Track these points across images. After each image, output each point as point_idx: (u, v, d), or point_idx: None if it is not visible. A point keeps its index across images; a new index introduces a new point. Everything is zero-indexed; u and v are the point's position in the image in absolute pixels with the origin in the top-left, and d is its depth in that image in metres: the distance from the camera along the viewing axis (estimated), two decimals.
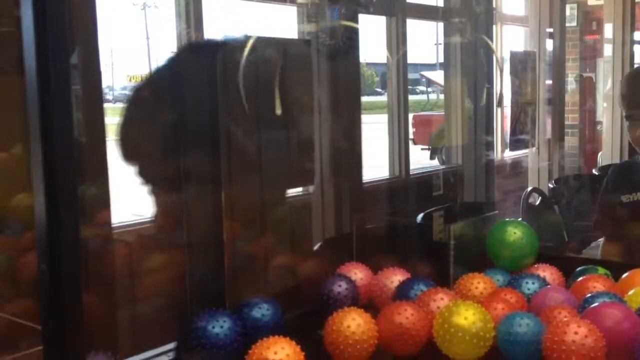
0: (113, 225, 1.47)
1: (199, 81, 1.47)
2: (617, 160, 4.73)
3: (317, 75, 1.93)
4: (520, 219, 1.99)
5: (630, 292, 1.46)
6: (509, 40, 4.80)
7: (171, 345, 1.35)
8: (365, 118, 2.41)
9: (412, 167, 3.52)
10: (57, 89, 0.61)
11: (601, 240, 2.30)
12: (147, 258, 1.43)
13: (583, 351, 1.21)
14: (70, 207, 0.60)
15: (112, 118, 1.54)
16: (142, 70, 1.56)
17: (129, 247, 1.41)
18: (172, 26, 2.05)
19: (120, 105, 1.56)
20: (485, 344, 1.32)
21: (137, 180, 1.46)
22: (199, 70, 1.47)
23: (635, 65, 5.27)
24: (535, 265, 1.67)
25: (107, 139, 1.49)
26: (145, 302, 1.38)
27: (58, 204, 0.58)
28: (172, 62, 1.56)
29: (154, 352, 1.32)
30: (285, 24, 2.30)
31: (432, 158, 9.04)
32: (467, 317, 1.31)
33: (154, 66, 1.60)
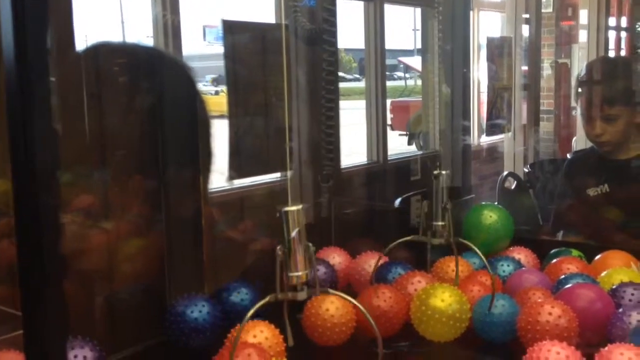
0: (92, 211, 1.46)
1: (178, 67, 1.46)
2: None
3: (295, 60, 1.93)
4: (496, 203, 2.01)
5: (603, 274, 1.49)
6: (486, 26, 4.82)
7: (150, 331, 1.35)
8: (343, 104, 2.41)
9: (390, 152, 3.53)
10: (35, 73, 0.61)
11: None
12: (125, 244, 1.43)
13: (557, 331, 1.24)
14: (50, 193, 0.60)
15: None
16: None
17: (106, 233, 1.40)
18: (147, 10, 2.03)
19: None
20: (461, 325, 1.34)
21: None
22: (178, 56, 1.46)
23: (610, 52, 5.32)
24: (511, 248, 1.69)
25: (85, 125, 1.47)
26: (124, 287, 1.38)
27: (37, 189, 0.58)
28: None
29: (133, 337, 1.32)
30: (263, 9, 2.29)
31: (410, 144, 9.07)
32: (444, 299, 1.33)
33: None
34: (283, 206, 0.91)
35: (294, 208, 0.91)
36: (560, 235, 2.21)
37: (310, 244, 0.92)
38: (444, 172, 1.29)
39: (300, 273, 0.92)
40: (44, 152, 0.59)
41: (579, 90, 2.14)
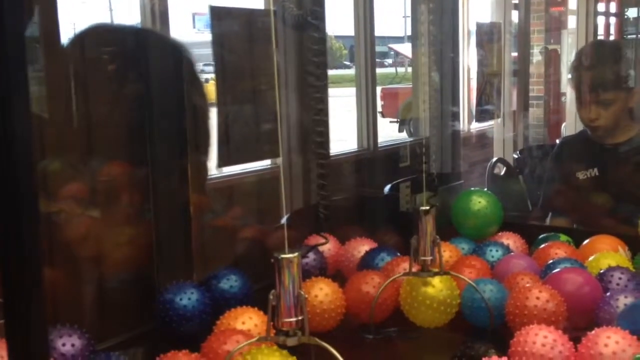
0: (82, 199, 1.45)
1: (164, 53, 1.45)
2: None
3: (284, 46, 1.92)
4: (485, 189, 2.02)
5: (591, 258, 1.50)
6: (476, 11, 4.81)
7: (139, 318, 1.35)
8: (334, 91, 2.40)
9: (380, 139, 3.53)
10: (12, 60, 0.60)
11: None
12: (114, 231, 1.42)
13: (544, 315, 1.24)
14: (29, 178, 0.59)
15: None
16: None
17: (94, 220, 1.39)
18: None
19: None
20: (451, 311, 1.34)
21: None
22: (165, 41, 1.45)
23: (599, 37, 5.33)
24: (499, 233, 1.70)
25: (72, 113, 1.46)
26: (112, 275, 1.38)
27: (16, 176, 0.58)
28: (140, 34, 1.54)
29: (122, 326, 1.32)
30: None
31: (400, 130, 9.07)
32: (434, 285, 1.33)
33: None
34: (279, 253, 0.92)
35: (289, 255, 0.92)
36: (548, 218, 2.22)
37: (302, 291, 0.93)
38: (431, 207, 1.29)
39: (292, 319, 0.93)
40: (23, 139, 0.58)
41: (573, 75, 2.14)
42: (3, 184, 0.58)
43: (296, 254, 0.93)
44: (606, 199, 2.06)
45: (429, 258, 1.29)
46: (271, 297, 0.93)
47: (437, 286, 1.33)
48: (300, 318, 0.93)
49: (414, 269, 1.31)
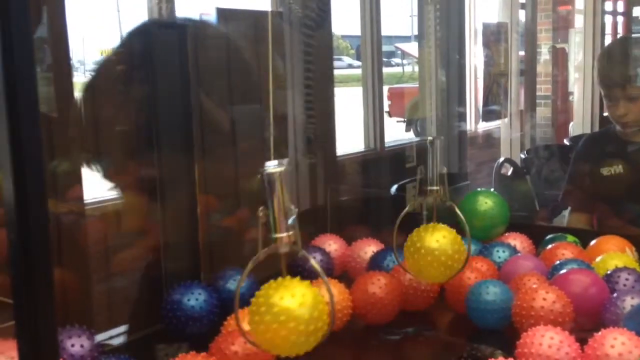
0: (86, 201, 1.46)
1: (170, 55, 1.46)
2: (588, 131, 4.80)
3: (290, 47, 1.93)
4: (492, 189, 2.02)
5: (598, 259, 1.50)
6: (482, 11, 4.80)
7: (147, 319, 1.35)
8: (340, 91, 2.41)
9: (387, 139, 3.53)
10: (21, 62, 0.61)
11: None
12: (122, 234, 1.43)
13: (551, 316, 1.24)
14: (38, 180, 0.60)
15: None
16: (113, 43, 1.54)
17: (103, 222, 1.41)
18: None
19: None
20: (457, 266, 1.31)
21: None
22: (170, 45, 1.45)
23: (606, 36, 5.31)
24: (506, 234, 1.70)
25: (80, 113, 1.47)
26: (120, 276, 1.39)
27: (25, 178, 0.58)
28: (143, 36, 1.54)
29: (130, 326, 1.33)
30: None
31: (407, 130, 9.06)
32: (439, 239, 1.31)
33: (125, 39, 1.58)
34: (265, 168, 0.90)
35: (276, 170, 0.91)
36: (567, 214, 2.21)
37: (293, 206, 0.92)
38: (436, 139, 1.28)
39: (283, 234, 0.92)
40: (33, 142, 0.59)
41: (600, 72, 2.12)
42: (13, 186, 0.58)
43: (282, 168, 0.92)
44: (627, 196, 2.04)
45: (435, 188, 1.28)
46: (260, 214, 0.92)
47: (441, 241, 1.31)
48: (290, 233, 0.93)
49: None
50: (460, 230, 1.33)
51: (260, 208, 0.91)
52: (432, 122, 2.35)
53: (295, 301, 0.96)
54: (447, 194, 1.28)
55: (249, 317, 1.01)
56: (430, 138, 1.27)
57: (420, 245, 1.29)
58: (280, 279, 0.98)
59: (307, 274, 1.50)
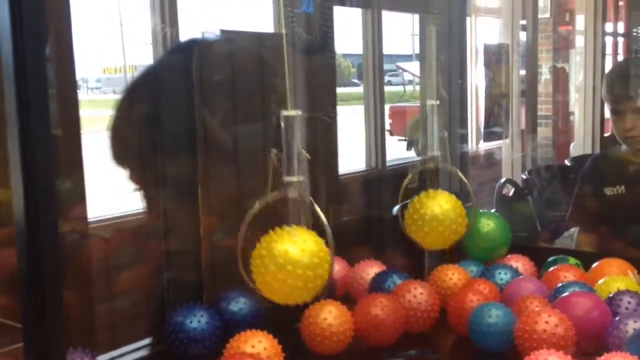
0: (89, 220, 1.46)
1: (174, 79, 1.47)
2: (589, 151, 4.80)
3: (293, 69, 1.94)
4: (493, 210, 2.02)
5: (600, 282, 1.50)
6: (483, 32, 4.84)
7: (149, 340, 1.35)
8: (342, 110, 2.41)
9: (389, 158, 3.54)
10: (34, 83, 0.62)
11: (573, 230, 2.33)
12: (125, 253, 1.43)
13: (554, 340, 1.24)
14: (49, 204, 0.60)
15: (88, 110, 1.53)
16: (116, 62, 1.56)
17: (105, 242, 1.41)
18: (147, 18, 2.04)
19: (93, 96, 1.55)
20: (460, 230, 1.31)
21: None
22: (176, 68, 1.46)
23: (607, 56, 5.34)
24: (508, 256, 1.70)
25: (81, 131, 1.48)
26: (123, 297, 1.39)
27: (37, 201, 0.59)
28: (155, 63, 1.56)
29: (131, 347, 1.33)
30: (261, 18, 2.30)
31: (408, 149, 9.08)
32: (441, 204, 1.30)
33: (128, 58, 1.59)
34: (284, 110, 0.91)
35: (292, 113, 0.91)
36: (575, 233, 2.22)
37: (304, 151, 0.92)
38: (435, 102, 1.28)
39: (294, 179, 0.92)
40: (44, 166, 0.60)
41: (607, 88, 2.14)
42: (23, 209, 0.59)
43: (299, 112, 0.93)
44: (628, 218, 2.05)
45: (436, 154, 1.28)
46: (272, 156, 0.92)
47: (443, 206, 1.30)
48: (301, 179, 0.92)
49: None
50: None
51: (273, 150, 0.91)
52: (433, 141, 2.35)
53: (296, 247, 0.96)
54: (448, 158, 1.28)
55: (252, 262, 1.02)
56: (431, 102, 1.27)
57: (424, 211, 1.30)
58: (284, 226, 0.98)
59: None
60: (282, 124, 0.92)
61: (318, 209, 0.97)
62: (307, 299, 1.01)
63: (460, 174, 1.31)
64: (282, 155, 0.92)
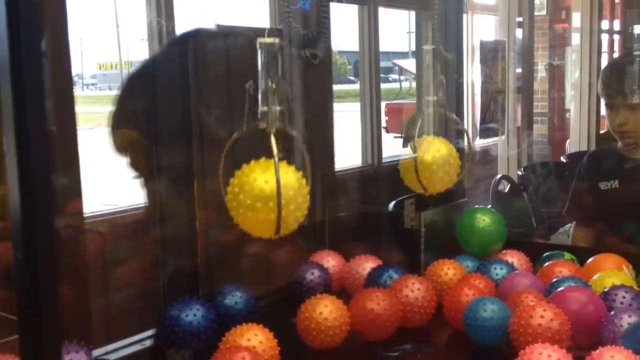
0: (85, 215, 1.46)
1: (171, 73, 1.47)
2: (584, 148, 4.82)
3: (290, 64, 1.93)
4: (489, 206, 2.03)
5: (595, 277, 1.50)
6: (480, 29, 4.84)
7: (145, 334, 1.35)
8: (338, 106, 2.41)
9: (385, 155, 3.54)
10: (29, 79, 0.61)
11: (569, 226, 2.34)
12: (121, 248, 1.43)
13: (549, 334, 1.24)
14: (45, 198, 0.60)
15: (83, 107, 1.53)
16: (111, 58, 1.55)
17: (101, 236, 1.41)
18: (142, 14, 2.03)
19: (89, 93, 1.55)
20: (454, 171, 1.35)
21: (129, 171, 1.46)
22: (173, 63, 1.46)
23: (603, 54, 5.35)
24: (504, 251, 1.70)
25: (77, 127, 1.48)
26: (119, 291, 1.39)
27: (33, 195, 0.59)
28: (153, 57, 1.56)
29: (128, 341, 1.33)
30: (257, 13, 2.30)
31: (404, 146, 9.07)
32: (440, 148, 1.32)
33: (123, 54, 1.59)
34: (259, 38, 0.88)
35: (269, 40, 0.89)
36: (572, 228, 2.23)
37: (284, 82, 0.90)
38: (431, 46, 1.29)
39: (274, 107, 0.90)
40: (39, 160, 0.59)
41: (602, 83, 2.15)
42: (19, 204, 0.59)
43: (277, 39, 0.91)
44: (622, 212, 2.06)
45: (432, 98, 1.30)
46: (247, 86, 0.90)
47: (442, 150, 1.34)
48: (280, 108, 0.91)
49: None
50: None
51: (249, 81, 0.89)
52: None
53: (269, 179, 0.95)
54: (444, 103, 1.30)
55: (227, 198, 1.01)
56: (428, 46, 1.28)
57: (420, 157, 1.35)
58: (262, 159, 0.97)
59: (305, 290, 1.52)
60: (258, 52, 0.89)
61: (295, 133, 0.94)
62: (284, 234, 0.99)
63: (454, 116, 1.36)
64: (259, 85, 0.89)
